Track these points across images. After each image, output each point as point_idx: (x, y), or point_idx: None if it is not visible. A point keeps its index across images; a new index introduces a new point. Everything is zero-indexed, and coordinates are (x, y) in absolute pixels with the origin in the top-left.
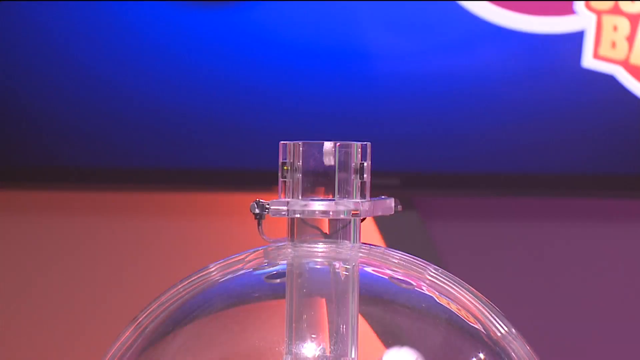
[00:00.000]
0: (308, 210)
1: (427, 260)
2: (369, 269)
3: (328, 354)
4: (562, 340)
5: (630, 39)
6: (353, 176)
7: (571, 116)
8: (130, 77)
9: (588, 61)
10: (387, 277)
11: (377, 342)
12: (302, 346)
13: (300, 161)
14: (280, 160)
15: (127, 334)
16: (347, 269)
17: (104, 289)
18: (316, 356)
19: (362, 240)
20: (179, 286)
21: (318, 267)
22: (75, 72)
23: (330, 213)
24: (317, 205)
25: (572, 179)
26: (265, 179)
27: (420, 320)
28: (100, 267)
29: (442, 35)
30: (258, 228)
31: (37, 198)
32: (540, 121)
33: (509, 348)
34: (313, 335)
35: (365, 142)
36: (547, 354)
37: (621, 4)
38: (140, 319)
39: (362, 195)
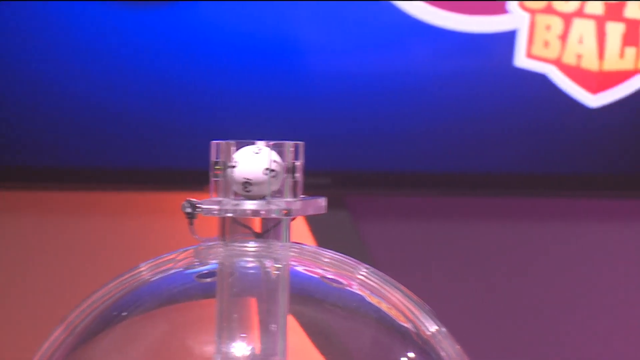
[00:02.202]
0: (239, 210)
1: (358, 260)
2: (300, 268)
3: (258, 354)
4: (492, 339)
5: (563, 38)
6: (285, 175)
7: (503, 115)
8: (60, 76)
9: (521, 60)
10: (318, 277)
11: (307, 342)
12: (232, 345)
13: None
14: (212, 159)
15: (56, 333)
16: (277, 268)
17: (33, 289)
18: (246, 356)
19: (293, 240)
20: (110, 285)
21: (249, 266)
22: (3, 70)
23: (262, 212)
24: (249, 205)
25: (503, 177)
26: (198, 178)
27: (350, 320)
28: (29, 268)
29: (375, 34)
30: (189, 227)
31: None
32: (473, 120)
33: (438, 347)
34: (243, 335)
35: (298, 142)
36: (477, 352)
37: (554, 3)
38: (70, 319)
39: (294, 195)
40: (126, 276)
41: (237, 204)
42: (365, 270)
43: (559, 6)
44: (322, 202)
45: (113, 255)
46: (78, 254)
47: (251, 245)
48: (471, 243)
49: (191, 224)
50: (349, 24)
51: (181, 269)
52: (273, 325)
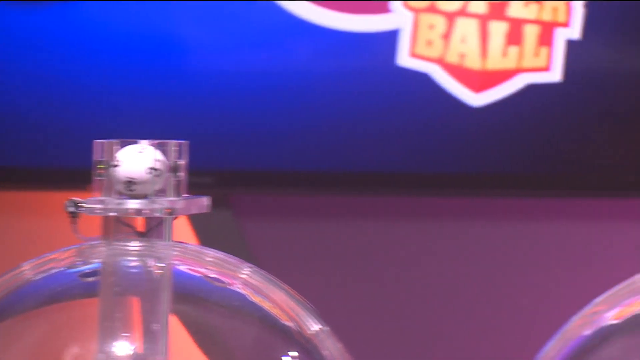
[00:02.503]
0: (122, 209)
1: (241, 259)
2: (182, 267)
3: (140, 353)
4: (374, 338)
5: (446, 37)
6: (169, 174)
7: (386, 114)
8: None
9: (404, 59)
10: (200, 276)
11: (189, 341)
12: (114, 345)
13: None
14: (95, 158)
15: None
16: (160, 267)
17: None
18: (128, 355)
19: (176, 239)
20: None
21: (131, 265)
22: None
23: (145, 211)
24: (132, 204)
25: (386, 176)
26: (82, 177)
27: (233, 319)
28: None
29: (258, 32)
30: (72, 227)
31: None
32: (356, 119)
33: (320, 345)
34: (125, 334)
35: (181, 141)
36: (359, 351)
37: (438, 2)
38: None
39: (178, 194)
40: (8, 276)
41: (120, 203)
42: (248, 269)
43: (442, 5)
44: (205, 201)
45: None
46: None
47: (134, 245)
48: (354, 242)
49: (74, 223)
50: (232, 22)
51: (64, 268)
52: (155, 325)
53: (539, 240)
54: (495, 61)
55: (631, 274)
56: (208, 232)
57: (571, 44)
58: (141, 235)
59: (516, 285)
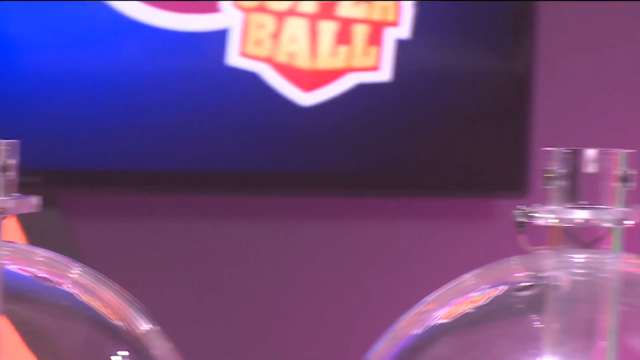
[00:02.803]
0: None
1: (70, 258)
2: (12, 267)
3: None
4: (204, 338)
5: (276, 36)
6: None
7: (217, 113)
8: None
9: (234, 59)
10: (30, 275)
11: (18, 341)
12: None
13: None
14: None
15: None
16: None
17: None
18: None
19: (4, 239)
20: None
21: None
22: None
23: None
24: None
25: (217, 175)
26: None
27: (62, 318)
28: None
29: (88, 31)
30: None
31: None
32: (186, 118)
33: (150, 345)
34: None
35: (12, 140)
36: (189, 351)
37: (267, 2)
38: None
39: (7, 193)
40: None
41: None
42: (78, 268)
43: (272, 5)
44: (34, 200)
45: None
46: None
47: None
48: (188, 242)
49: None
50: (61, 21)
51: None
52: None
53: (369, 240)
54: (325, 60)
55: (459, 273)
56: (36, 232)
57: (400, 44)
58: None
59: (345, 285)
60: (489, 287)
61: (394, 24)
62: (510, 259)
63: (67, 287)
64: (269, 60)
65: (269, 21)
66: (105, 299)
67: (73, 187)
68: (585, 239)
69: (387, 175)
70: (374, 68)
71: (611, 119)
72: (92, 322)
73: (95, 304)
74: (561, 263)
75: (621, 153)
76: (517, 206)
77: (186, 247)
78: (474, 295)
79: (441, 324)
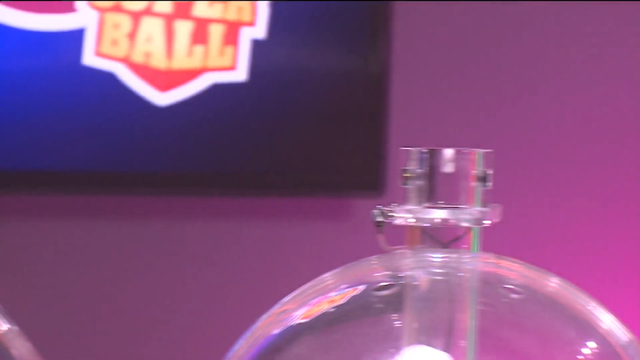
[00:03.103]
0: None
1: None
2: None
3: None
4: (64, 337)
5: (132, 36)
6: None
7: (72, 114)
8: None
9: (89, 59)
10: None
11: None
12: None
13: None
14: None
15: None
16: None
17: None
18: None
19: None
20: None
21: None
22: None
23: None
24: None
25: (77, 175)
26: None
27: None
28: None
29: None
30: None
31: None
32: (42, 118)
33: (9, 345)
34: None
35: None
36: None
37: (123, 2)
38: None
39: None
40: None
41: None
42: None
43: (128, 5)
44: None
45: None
46: None
47: None
48: (32, 242)
49: None
50: None
51: None
52: None
53: (227, 239)
54: (181, 61)
55: (319, 273)
56: None
57: (256, 44)
58: None
59: (203, 285)
60: (348, 287)
61: (250, 24)
62: (369, 258)
63: None
64: (125, 60)
65: (124, 21)
66: None
67: None
68: (444, 239)
69: (244, 175)
70: (230, 68)
71: (468, 118)
72: None
73: None
74: (420, 262)
75: (478, 152)
76: (376, 206)
77: (34, 246)
78: (333, 294)
79: (300, 324)
